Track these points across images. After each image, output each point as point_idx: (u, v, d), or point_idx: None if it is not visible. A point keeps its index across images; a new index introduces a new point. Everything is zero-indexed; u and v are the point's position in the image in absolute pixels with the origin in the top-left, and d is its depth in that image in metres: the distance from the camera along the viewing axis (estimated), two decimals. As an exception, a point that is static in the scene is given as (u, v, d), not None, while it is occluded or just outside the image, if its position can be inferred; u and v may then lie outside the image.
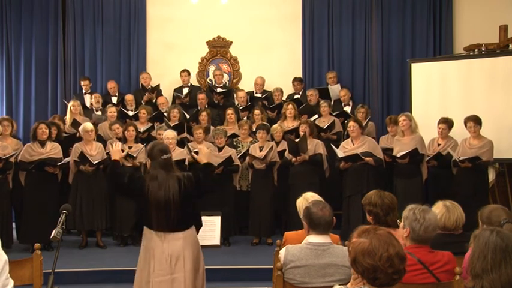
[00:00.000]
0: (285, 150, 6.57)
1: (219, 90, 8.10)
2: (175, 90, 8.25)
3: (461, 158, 6.07)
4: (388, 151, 6.43)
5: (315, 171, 6.48)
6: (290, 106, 7.27)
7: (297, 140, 6.39)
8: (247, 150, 6.63)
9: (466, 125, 6.22)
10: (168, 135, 6.56)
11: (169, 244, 3.40)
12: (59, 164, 6.15)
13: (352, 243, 2.00)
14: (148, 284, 3.40)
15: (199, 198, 3.62)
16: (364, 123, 6.85)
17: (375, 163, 6.15)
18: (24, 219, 6.23)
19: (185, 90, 8.19)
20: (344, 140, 6.86)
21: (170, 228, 3.42)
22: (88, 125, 6.41)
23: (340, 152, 6.24)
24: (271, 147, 6.55)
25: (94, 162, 6.18)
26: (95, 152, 6.33)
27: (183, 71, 8.29)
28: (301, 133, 6.52)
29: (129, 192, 3.62)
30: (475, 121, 6.15)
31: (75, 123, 7.00)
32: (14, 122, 7.25)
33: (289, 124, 7.17)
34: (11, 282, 2.40)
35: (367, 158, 6.11)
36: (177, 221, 3.42)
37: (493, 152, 6.18)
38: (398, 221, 2.89)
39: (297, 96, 8.12)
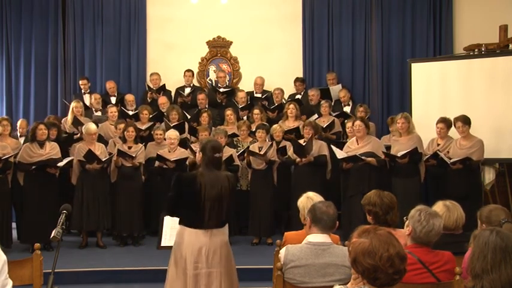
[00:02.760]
0: (284, 147, 6.58)
1: (222, 90, 8.11)
2: (178, 89, 8.27)
3: (452, 160, 6.08)
4: (386, 150, 6.42)
5: (319, 172, 6.49)
6: (291, 106, 7.27)
7: (304, 144, 6.38)
8: (247, 147, 6.64)
9: (454, 126, 6.24)
10: (171, 135, 6.58)
11: (209, 239, 3.46)
12: (60, 165, 6.15)
13: (352, 243, 2.00)
14: (184, 277, 3.42)
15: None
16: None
17: (377, 163, 6.14)
18: (25, 219, 6.23)
19: (187, 90, 8.20)
20: (343, 140, 6.87)
21: (214, 224, 3.48)
22: (92, 127, 6.41)
23: (338, 153, 6.23)
24: (271, 144, 6.57)
25: (103, 159, 6.20)
26: (98, 152, 6.35)
27: (188, 70, 8.31)
28: (306, 136, 6.51)
29: (179, 192, 3.54)
30: (463, 121, 6.15)
31: (76, 122, 7.01)
32: (25, 121, 7.31)
33: (291, 124, 7.17)
34: (10, 282, 2.40)
35: (369, 159, 6.10)
36: (221, 218, 3.50)
37: (483, 151, 6.16)
38: (404, 218, 2.90)
39: (298, 96, 8.12)
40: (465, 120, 6.15)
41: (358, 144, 6.29)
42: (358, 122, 6.27)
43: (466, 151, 6.09)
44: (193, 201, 3.43)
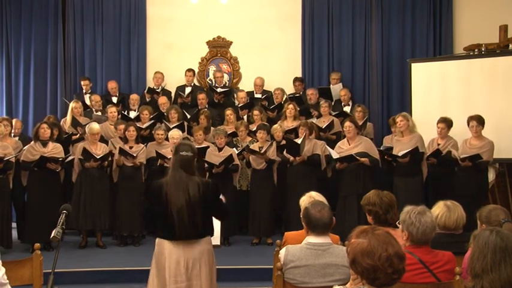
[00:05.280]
0: (283, 146, 6.58)
1: (219, 90, 8.12)
2: (178, 88, 8.27)
3: (462, 156, 6.08)
4: (388, 150, 6.42)
5: (313, 171, 6.49)
6: (290, 106, 7.26)
7: (299, 141, 6.38)
8: (247, 146, 6.64)
9: (468, 124, 6.21)
10: (174, 135, 6.59)
11: (186, 251, 3.27)
12: (61, 159, 6.16)
13: (350, 243, 2.00)
14: None
15: (215, 212, 3.45)
16: (361, 123, 6.84)
17: (370, 163, 6.13)
18: (27, 219, 6.23)
19: (187, 90, 8.20)
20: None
21: (188, 235, 3.27)
22: (95, 127, 6.43)
23: (334, 153, 6.22)
24: (271, 143, 6.58)
25: (98, 157, 6.21)
26: (100, 151, 6.37)
27: (189, 70, 8.31)
28: (301, 135, 6.52)
29: (149, 202, 3.43)
30: (478, 121, 6.13)
31: (75, 123, 7.01)
32: (20, 122, 7.30)
33: (289, 124, 7.17)
34: (3, 270, 2.40)
35: (363, 159, 6.09)
36: (196, 229, 3.27)
37: (493, 152, 6.18)
38: (397, 222, 2.90)
39: (297, 95, 8.11)
40: (479, 120, 6.13)
41: (349, 144, 6.29)
42: (347, 123, 6.27)
43: (475, 151, 6.08)
44: (162, 211, 3.23)
